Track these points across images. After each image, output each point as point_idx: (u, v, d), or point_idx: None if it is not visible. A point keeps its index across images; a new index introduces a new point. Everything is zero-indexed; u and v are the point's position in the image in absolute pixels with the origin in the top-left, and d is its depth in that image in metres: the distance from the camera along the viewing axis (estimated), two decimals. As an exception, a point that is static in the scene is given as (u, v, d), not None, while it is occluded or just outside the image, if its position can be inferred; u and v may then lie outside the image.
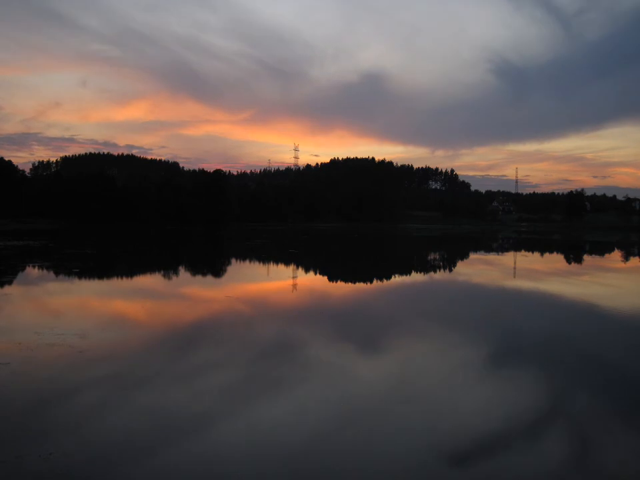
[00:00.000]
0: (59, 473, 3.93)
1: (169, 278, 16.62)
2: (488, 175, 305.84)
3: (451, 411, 5.41)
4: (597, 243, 51.52)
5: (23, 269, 17.81)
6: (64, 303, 11.74)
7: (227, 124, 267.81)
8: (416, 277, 19.48)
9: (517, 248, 41.69)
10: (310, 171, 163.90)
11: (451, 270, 22.47)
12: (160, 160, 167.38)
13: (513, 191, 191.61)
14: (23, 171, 76.27)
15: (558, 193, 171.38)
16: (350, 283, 17.29)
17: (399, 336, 9.08)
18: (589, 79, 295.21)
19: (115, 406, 5.30)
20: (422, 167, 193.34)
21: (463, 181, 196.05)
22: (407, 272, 21.32)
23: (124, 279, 16.99)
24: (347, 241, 44.34)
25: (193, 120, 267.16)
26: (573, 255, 33.57)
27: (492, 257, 31.01)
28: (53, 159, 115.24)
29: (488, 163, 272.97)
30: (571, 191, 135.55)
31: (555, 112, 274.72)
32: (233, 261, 25.27)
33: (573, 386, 6.37)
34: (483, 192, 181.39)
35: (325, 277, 18.60)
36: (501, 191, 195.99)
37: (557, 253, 36.76)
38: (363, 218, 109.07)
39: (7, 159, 68.82)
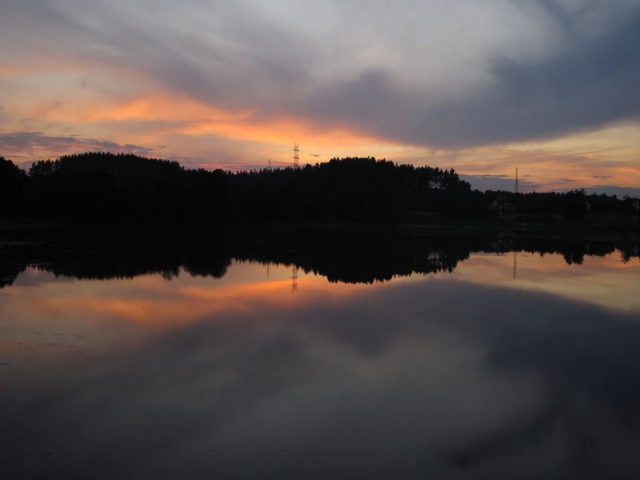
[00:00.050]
0: (58, 473, 3.93)
1: (169, 278, 16.63)
2: (488, 175, 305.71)
3: (450, 411, 5.41)
4: (597, 243, 51.52)
5: (23, 268, 17.80)
6: (64, 303, 11.74)
7: (227, 124, 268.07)
8: (416, 277, 19.48)
9: (516, 248, 41.70)
10: (310, 171, 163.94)
11: (450, 270, 22.48)
12: (160, 160, 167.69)
13: (513, 191, 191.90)
14: (23, 171, 76.35)
15: (558, 193, 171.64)
16: (350, 283, 17.29)
17: (399, 336, 9.09)
18: (589, 78, 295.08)
19: (115, 406, 5.30)
20: (422, 167, 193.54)
21: (463, 181, 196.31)
22: (407, 272, 21.32)
23: (124, 279, 16.99)
24: (346, 241, 44.34)
25: (192, 120, 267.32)
26: (573, 255, 33.57)
27: (492, 257, 31.02)
28: (53, 159, 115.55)
29: (488, 163, 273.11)
30: (571, 191, 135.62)
31: (556, 111, 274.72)
32: (233, 261, 25.27)
33: (573, 386, 6.37)
34: (483, 192, 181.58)
35: (325, 277, 18.60)
36: (501, 190, 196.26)
37: (557, 253, 36.76)
38: (363, 218, 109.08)
39: (6, 159, 68.89)
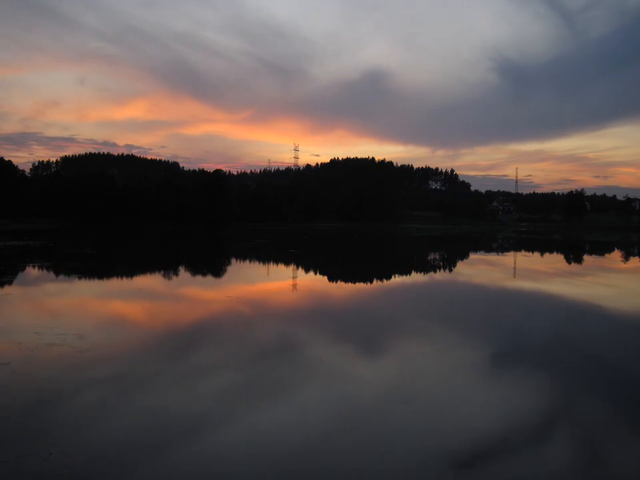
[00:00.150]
0: (58, 473, 3.93)
1: (169, 278, 16.62)
2: (489, 175, 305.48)
3: (451, 411, 5.40)
4: (596, 243, 51.52)
5: (23, 269, 17.80)
6: (64, 303, 11.74)
7: (227, 123, 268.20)
8: (416, 277, 19.48)
9: (517, 248, 41.69)
10: (310, 170, 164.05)
11: (451, 270, 22.47)
12: (160, 160, 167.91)
13: (514, 191, 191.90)
14: (23, 171, 76.38)
15: (558, 193, 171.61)
16: (350, 283, 17.29)
17: (399, 336, 9.08)
18: (591, 77, 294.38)
19: (115, 406, 5.30)
20: (422, 167, 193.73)
21: (463, 181, 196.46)
22: (407, 272, 21.31)
23: (124, 279, 16.98)
24: (346, 241, 44.34)
25: (192, 119, 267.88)
26: (573, 255, 33.56)
27: (492, 257, 31.02)
28: (53, 159, 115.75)
29: (489, 163, 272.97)
30: (571, 191, 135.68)
31: (557, 111, 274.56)
32: (233, 261, 25.27)
33: (574, 386, 6.37)
34: (483, 192, 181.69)
35: (325, 277, 18.60)
36: (502, 190, 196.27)
37: (557, 253, 36.75)
38: (363, 218, 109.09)
39: (6, 159, 68.96)
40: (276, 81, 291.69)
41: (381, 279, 18.31)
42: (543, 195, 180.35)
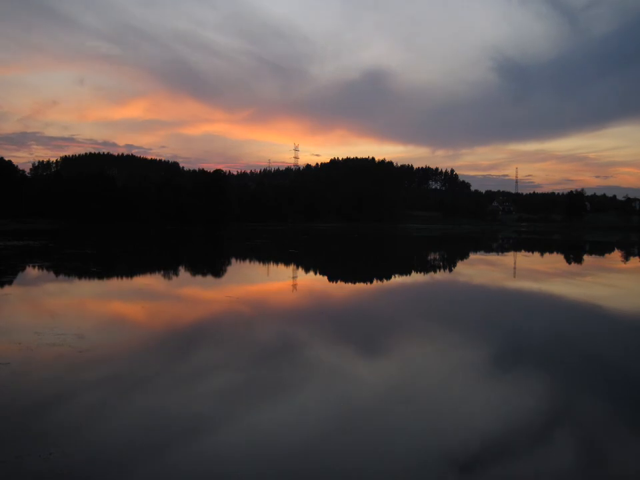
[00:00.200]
0: (58, 473, 3.93)
1: (169, 278, 16.63)
2: (489, 175, 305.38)
3: (451, 411, 5.40)
4: (596, 243, 51.52)
5: (23, 268, 17.81)
6: (64, 303, 11.74)
7: (227, 123, 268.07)
8: (416, 277, 19.48)
9: (517, 248, 41.70)
10: (310, 170, 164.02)
11: (451, 270, 22.47)
12: (160, 160, 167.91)
13: (515, 191, 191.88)
14: (23, 171, 76.37)
15: (558, 193, 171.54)
16: (350, 284, 17.29)
17: (400, 336, 9.08)
18: (592, 77, 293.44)
19: (115, 406, 5.30)
20: (422, 167, 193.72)
21: (463, 181, 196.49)
22: (407, 272, 21.31)
23: (124, 279, 16.99)
24: (346, 241, 44.34)
25: (192, 119, 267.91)
26: (573, 255, 33.57)
27: (492, 257, 31.02)
28: (53, 159, 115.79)
29: (489, 163, 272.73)
30: (571, 191, 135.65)
31: (558, 111, 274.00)
32: (233, 261, 25.27)
33: (574, 387, 6.37)
34: (483, 192, 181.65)
35: (325, 277, 18.60)
36: (503, 191, 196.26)
37: (557, 253, 36.76)
38: (363, 218, 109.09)
39: (6, 159, 68.96)
40: (276, 81, 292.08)
41: (380, 279, 18.31)
42: (543, 195, 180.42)
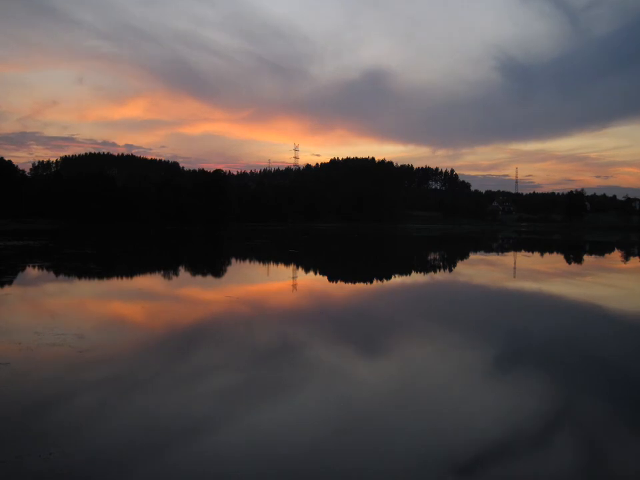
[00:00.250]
0: (58, 473, 3.93)
1: (169, 278, 16.63)
2: (490, 175, 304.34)
3: (451, 412, 5.40)
4: (597, 243, 51.52)
5: (23, 268, 17.81)
6: (64, 303, 11.74)
7: (227, 122, 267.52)
8: (416, 277, 19.48)
9: (517, 248, 41.70)
10: (310, 170, 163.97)
11: (451, 270, 22.47)
12: (160, 160, 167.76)
13: (515, 191, 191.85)
14: (23, 171, 76.36)
15: (558, 193, 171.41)
16: (350, 284, 17.29)
17: (400, 337, 9.08)
18: (594, 76, 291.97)
19: (115, 406, 5.29)
20: (422, 167, 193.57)
21: (463, 181, 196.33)
22: (407, 272, 21.32)
23: (124, 279, 16.99)
24: (346, 241, 44.34)
25: (192, 119, 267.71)
26: (573, 255, 33.57)
27: (492, 257, 31.02)
28: (53, 159, 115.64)
29: (490, 163, 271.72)
30: (571, 191, 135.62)
31: (560, 110, 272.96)
32: (233, 261, 25.27)
33: (574, 387, 6.37)
34: (483, 192, 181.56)
35: (325, 278, 18.60)
36: (503, 191, 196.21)
37: (557, 253, 36.76)
38: (363, 218, 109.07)
39: (6, 159, 68.96)
40: (276, 81, 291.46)
41: (381, 279, 18.31)
42: (543, 195, 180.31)
